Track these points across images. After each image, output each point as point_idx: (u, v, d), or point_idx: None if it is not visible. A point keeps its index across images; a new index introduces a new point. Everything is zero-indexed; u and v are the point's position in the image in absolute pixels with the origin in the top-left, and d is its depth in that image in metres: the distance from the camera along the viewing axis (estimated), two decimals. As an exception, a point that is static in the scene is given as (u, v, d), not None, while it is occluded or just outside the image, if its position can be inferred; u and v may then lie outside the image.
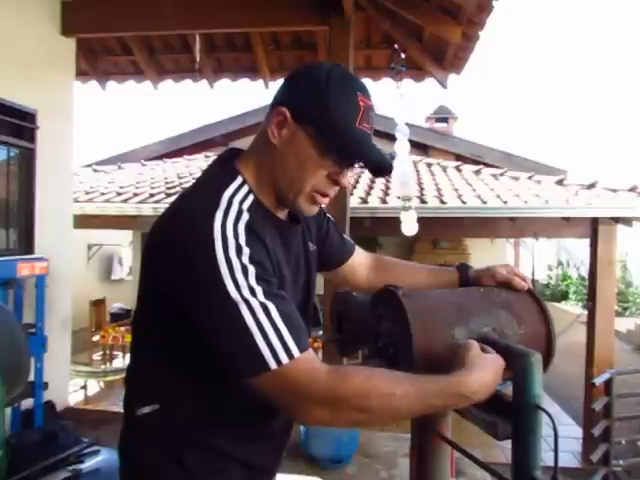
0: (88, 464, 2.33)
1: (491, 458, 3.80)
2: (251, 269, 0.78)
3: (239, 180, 0.88)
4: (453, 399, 0.77)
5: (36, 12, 3.33)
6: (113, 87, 4.80)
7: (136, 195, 6.05)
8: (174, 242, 0.81)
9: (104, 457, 2.39)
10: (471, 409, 0.86)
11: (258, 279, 0.78)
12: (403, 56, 3.64)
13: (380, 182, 6.18)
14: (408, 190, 4.30)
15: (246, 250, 0.79)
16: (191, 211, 0.83)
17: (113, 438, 0.98)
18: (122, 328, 6.36)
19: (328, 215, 1.18)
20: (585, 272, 9.12)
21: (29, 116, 3.10)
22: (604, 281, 4.86)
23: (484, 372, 0.78)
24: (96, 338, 6.65)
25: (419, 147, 8.53)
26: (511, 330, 0.93)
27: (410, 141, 4.59)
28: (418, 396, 0.76)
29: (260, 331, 0.75)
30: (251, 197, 0.87)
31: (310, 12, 3.30)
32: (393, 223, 4.50)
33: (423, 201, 5.17)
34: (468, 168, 7.27)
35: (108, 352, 6.75)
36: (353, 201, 4.98)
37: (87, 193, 6.27)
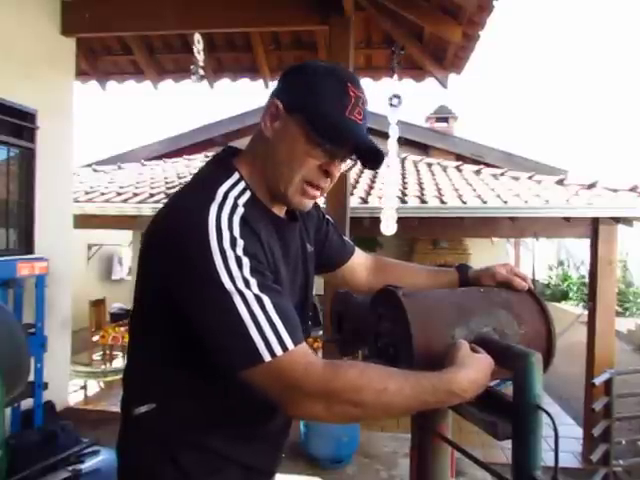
0: (88, 464, 2.34)
1: (491, 458, 3.80)
2: (245, 261, 0.78)
3: (236, 176, 0.88)
4: (444, 396, 0.77)
5: (36, 12, 3.33)
6: (113, 87, 4.80)
7: (136, 195, 6.05)
8: (170, 237, 0.81)
9: (104, 457, 2.39)
10: (471, 409, 0.86)
11: (252, 271, 0.78)
12: (402, 52, 3.63)
13: (380, 182, 6.18)
14: (387, 189, 4.27)
15: (240, 242, 0.78)
16: (186, 207, 0.83)
17: (113, 438, 0.98)
18: (122, 328, 6.35)
19: (327, 217, 1.17)
20: (585, 272, 9.13)
21: (29, 116, 3.10)
22: (604, 281, 4.86)
23: (473, 370, 0.79)
24: (96, 338, 6.64)
25: (419, 147, 8.53)
26: (511, 330, 0.93)
27: (410, 141, 4.60)
28: (411, 392, 0.76)
29: (254, 323, 0.75)
30: (248, 193, 0.87)
31: (310, 12, 3.31)
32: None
33: (423, 201, 5.17)
34: (468, 168, 7.27)
35: (108, 352, 6.74)
36: (353, 201, 4.98)
37: (87, 193, 6.27)
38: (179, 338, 0.84)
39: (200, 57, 3.45)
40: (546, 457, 0.94)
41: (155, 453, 0.89)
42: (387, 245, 7.79)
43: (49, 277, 3.03)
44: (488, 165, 7.65)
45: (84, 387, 5.89)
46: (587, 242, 5.12)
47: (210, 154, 8.31)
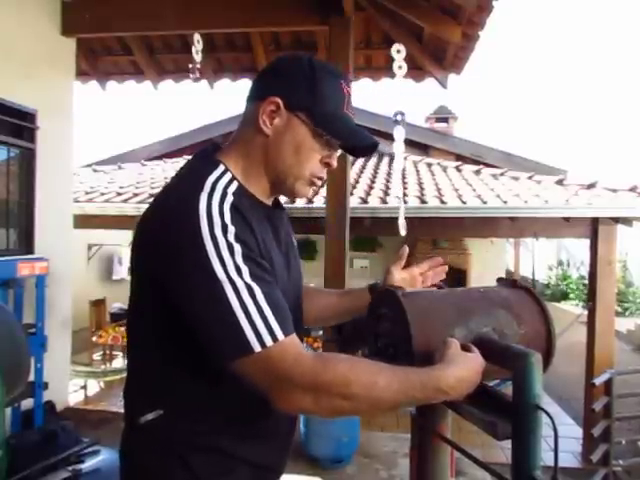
0: (88, 464, 2.34)
1: (491, 458, 3.80)
2: (237, 247, 0.78)
3: (221, 168, 0.89)
4: (432, 393, 0.78)
5: (36, 12, 3.33)
6: (113, 87, 4.81)
7: (136, 195, 6.05)
8: (160, 231, 0.81)
9: (104, 457, 2.39)
10: (471, 409, 0.86)
11: (244, 258, 0.78)
12: (403, 53, 3.60)
13: (380, 182, 6.19)
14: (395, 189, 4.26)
15: (232, 229, 0.78)
16: (176, 196, 0.83)
17: (113, 438, 0.97)
18: (122, 328, 6.35)
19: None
20: (585, 272, 9.12)
21: (29, 116, 3.11)
22: (604, 281, 4.86)
23: (461, 368, 0.79)
24: (96, 338, 6.64)
25: (419, 147, 8.53)
26: (511, 330, 0.93)
27: (410, 141, 4.58)
28: (400, 387, 0.76)
29: (244, 313, 0.75)
30: (235, 183, 0.88)
31: (310, 12, 3.31)
32: (393, 223, 4.49)
33: (423, 201, 5.17)
34: (468, 168, 7.28)
35: (108, 352, 6.75)
36: (353, 201, 4.98)
37: (87, 193, 6.27)
38: (176, 335, 0.83)
39: (198, 58, 3.45)
40: (546, 457, 0.94)
41: (163, 456, 0.88)
42: (387, 245, 7.79)
43: (49, 277, 3.03)
44: (488, 165, 7.65)
45: (84, 387, 5.89)
46: (587, 242, 5.12)
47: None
